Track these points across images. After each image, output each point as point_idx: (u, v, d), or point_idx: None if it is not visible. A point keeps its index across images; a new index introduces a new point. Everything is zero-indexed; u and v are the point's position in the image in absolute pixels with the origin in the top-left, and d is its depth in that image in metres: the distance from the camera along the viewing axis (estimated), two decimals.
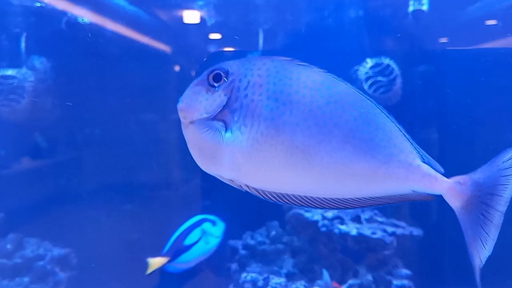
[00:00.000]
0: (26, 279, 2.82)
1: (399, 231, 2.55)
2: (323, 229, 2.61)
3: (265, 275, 2.22)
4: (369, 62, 2.94)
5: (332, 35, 3.32)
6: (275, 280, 2.19)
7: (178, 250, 2.22)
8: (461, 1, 2.94)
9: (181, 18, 3.19)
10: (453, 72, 3.11)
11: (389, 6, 3.05)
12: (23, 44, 3.08)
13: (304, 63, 0.84)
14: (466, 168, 0.82)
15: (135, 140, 3.52)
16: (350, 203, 0.80)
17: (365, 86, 2.89)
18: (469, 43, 3.11)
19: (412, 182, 0.78)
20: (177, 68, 3.44)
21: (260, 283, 2.17)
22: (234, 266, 3.04)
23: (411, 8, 2.90)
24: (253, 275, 2.26)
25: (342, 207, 0.81)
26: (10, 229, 3.03)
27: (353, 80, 3.18)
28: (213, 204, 3.57)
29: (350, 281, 2.47)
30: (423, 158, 0.81)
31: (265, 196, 0.82)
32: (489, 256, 0.77)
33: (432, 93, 3.21)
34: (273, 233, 3.05)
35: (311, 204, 0.80)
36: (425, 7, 2.84)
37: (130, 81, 3.40)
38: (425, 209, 3.18)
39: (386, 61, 2.90)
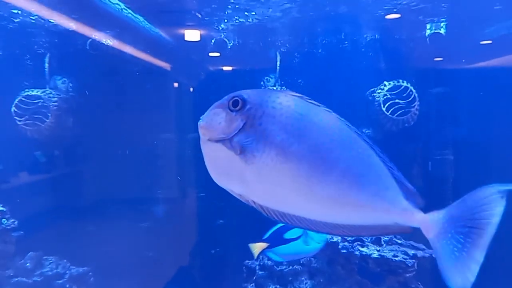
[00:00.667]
0: None
1: (419, 253, 2.54)
2: (344, 251, 2.61)
3: None
4: (387, 85, 2.98)
5: (348, 58, 3.37)
6: None
7: (277, 240, 2.25)
8: (477, 24, 2.99)
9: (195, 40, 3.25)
10: (470, 92, 3.15)
11: (406, 29, 3.11)
12: (46, 65, 3.15)
13: (313, 101, 0.92)
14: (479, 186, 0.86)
15: (152, 158, 3.57)
16: (341, 229, 0.90)
17: (383, 108, 2.92)
18: (485, 64, 3.15)
19: (393, 215, 0.88)
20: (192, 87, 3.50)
21: None
22: (250, 286, 3.04)
23: (428, 32, 2.95)
24: None
25: (333, 233, 0.91)
26: (30, 248, 3.05)
27: (370, 102, 3.22)
28: (227, 223, 3.59)
29: None
30: (406, 195, 0.89)
31: (268, 214, 0.90)
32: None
33: (449, 114, 3.23)
34: None
35: (307, 225, 0.90)
36: (442, 31, 2.89)
37: (148, 101, 3.46)
38: None
39: (404, 83, 2.93)
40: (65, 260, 3.10)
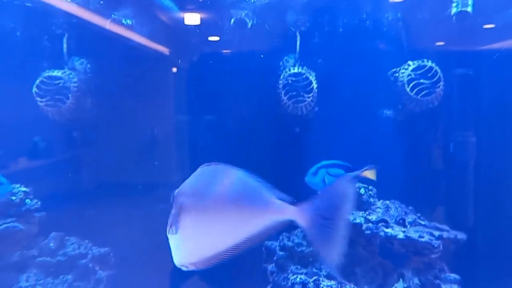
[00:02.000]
0: (69, 276, 2.85)
1: (444, 234, 2.53)
2: (367, 232, 2.60)
3: (315, 278, 2.22)
4: (412, 65, 2.93)
5: (369, 38, 3.31)
6: (325, 282, 2.19)
7: None
8: (505, 3, 2.91)
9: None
10: (496, 74, 3.09)
11: (431, 8, 3.04)
12: (64, 45, 3.12)
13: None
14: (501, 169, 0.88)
15: (169, 141, 3.56)
16: (248, 242, 1.13)
17: (407, 88, 2.88)
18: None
19: (273, 214, 1.10)
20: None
21: (311, 286, 2.17)
22: (271, 267, 3.04)
23: (454, 10, 2.88)
24: (303, 277, 2.25)
25: (244, 247, 1.14)
26: (51, 228, 3.07)
27: (392, 83, 3.17)
28: None
29: (396, 285, 2.45)
30: (279, 197, 1.12)
31: (208, 265, 1.15)
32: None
33: (473, 96, 3.18)
34: None
35: (233, 254, 1.13)
36: (469, 9, 2.82)
37: (167, 83, 3.43)
38: (464, 214, 3.16)
39: (429, 63, 2.88)
40: (86, 241, 3.12)
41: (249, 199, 1.12)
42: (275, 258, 3.02)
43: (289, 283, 2.29)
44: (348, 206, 1.04)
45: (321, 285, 2.15)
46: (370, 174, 2.57)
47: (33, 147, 3.12)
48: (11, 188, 2.73)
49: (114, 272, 3.19)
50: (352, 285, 2.17)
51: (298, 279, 2.23)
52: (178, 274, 3.28)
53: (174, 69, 3.44)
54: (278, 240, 3.06)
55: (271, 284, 2.96)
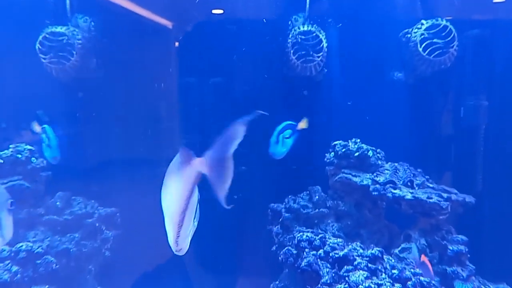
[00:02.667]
0: (76, 235, 2.87)
1: (453, 197, 2.50)
2: (375, 193, 2.58)
3: (321, 235, 2.21)
4: (425, 23, 2.82)
5: None
6: (332, 240, 2.18)
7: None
8: None
9: None
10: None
11: None
12: (67, 1, 3.03)
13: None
14: None
15: (175, 104, 3.51)
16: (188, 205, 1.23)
17: (420, 48, 2.79)
18: None
19: (188, 170, 1.19)
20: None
21: (317, 242, 2.16)
22: (276, 228, 3.05)
23: None
24: (309, 234, 2.25)
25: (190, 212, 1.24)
26: (58, 188, 3.07)
27: (403, 44, 3.08)
28: (250, 169, 3.57)
29: (403, 245, 2.45)
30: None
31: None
32: None
33: (487, 58, 3.09)
34: (316, 197, 3.02)
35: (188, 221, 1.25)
36: None
37: (173, 46, 3.35)
38: (473, 179, 3.12)
39: (443, 22, 2.77)
40: (92, 201, 3.13)
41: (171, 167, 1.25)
42: (280, 219, 3.02)
43: (295, 241, 2.28)
44: (234, 145, 1.13)
45: (327, 242, 2.14)
46: (303, 124, 2.86)
47: (37, 120, 3.05)
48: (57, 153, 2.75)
49: (121, 232, 3.21)
50: (359, 243, 2.16)
51: (304, 236, 2.22)
52: None
53: (180, 32, 3.35)
54: (284, 203, 3.06)
55: (277, 245, 2.98)
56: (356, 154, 2.80)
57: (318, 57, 2.84)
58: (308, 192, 3.11)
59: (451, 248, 2.35)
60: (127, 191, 3.30)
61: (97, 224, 2.99)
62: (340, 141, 2.92)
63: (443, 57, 2.77)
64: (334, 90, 3.26)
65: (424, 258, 2.05)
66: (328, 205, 2.96)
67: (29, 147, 2.85)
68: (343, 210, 2.90)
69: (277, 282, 2.83)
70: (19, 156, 2.80)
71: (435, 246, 2.41)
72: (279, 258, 2.46)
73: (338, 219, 2.95)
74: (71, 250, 2.77)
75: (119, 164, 3.41)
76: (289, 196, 3.11)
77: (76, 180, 3.20)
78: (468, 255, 2.40)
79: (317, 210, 2.97)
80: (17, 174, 2.78)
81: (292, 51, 2.85)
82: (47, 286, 2.45)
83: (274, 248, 2.99)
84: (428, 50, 2.77)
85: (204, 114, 3.49)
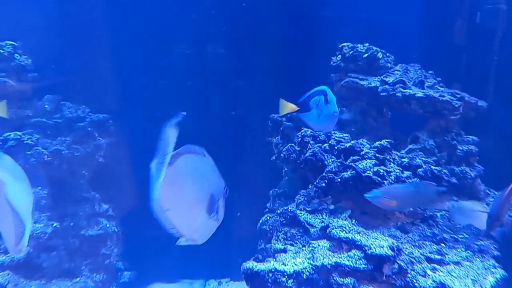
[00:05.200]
0: (68, 138, 2.74)
1: (466, 97, 2.36)
2: (384, 94, 2.43)
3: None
4: None
5: None
6: (337, 134, 2.06)
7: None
8: None
9: None
10: None
11: None
12: None
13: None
14: None
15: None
16: None
17: None
18: None
19: None
20: None
21: (322, 137, 2.04)
22: (276, 139, 2.93)
23: None
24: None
25: None
26: (46, 91, 2.90)
27: None
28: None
29: (410, 146, 2.34)
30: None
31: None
32: None
33: None
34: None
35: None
36: None
37: None
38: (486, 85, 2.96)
39: None
40: (83, 106, 2.97)
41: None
42: (281, 128, 2.90)
43: (299, 138, 2.16)
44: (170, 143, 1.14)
45: (333, 136, 2.02)
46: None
47: None
48: None
49: (114, 140, 3.08)
50: (365, 140, 2.04)
51: (309, 132, 2.09)
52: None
53: None
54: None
55: (276, 155, 2.88)
56: (365, 55, 2.62)
57: None
58: None
59: (460, 148, 2.24)
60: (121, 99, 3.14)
61: (89, 129, 2.84)
62: (348, 43, 2.73)
63: None
64: None
65: None
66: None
67: (11, 42, 2.63)
68: (346, 117, 2.76)
69: (276, 189, 2.76)
70: (1, 51, 2.59)
71: (444, 146, 2.29)
72: (282, 155, 2.35)
73: (341, 127, 2.82)
74: (63, 152, 2.64)
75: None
76: None
77: (66, 85, 3.03)
78: (477, 157, 2.30)
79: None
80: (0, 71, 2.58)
81: None
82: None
83: (273, 157, 2.90)
84: None
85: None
